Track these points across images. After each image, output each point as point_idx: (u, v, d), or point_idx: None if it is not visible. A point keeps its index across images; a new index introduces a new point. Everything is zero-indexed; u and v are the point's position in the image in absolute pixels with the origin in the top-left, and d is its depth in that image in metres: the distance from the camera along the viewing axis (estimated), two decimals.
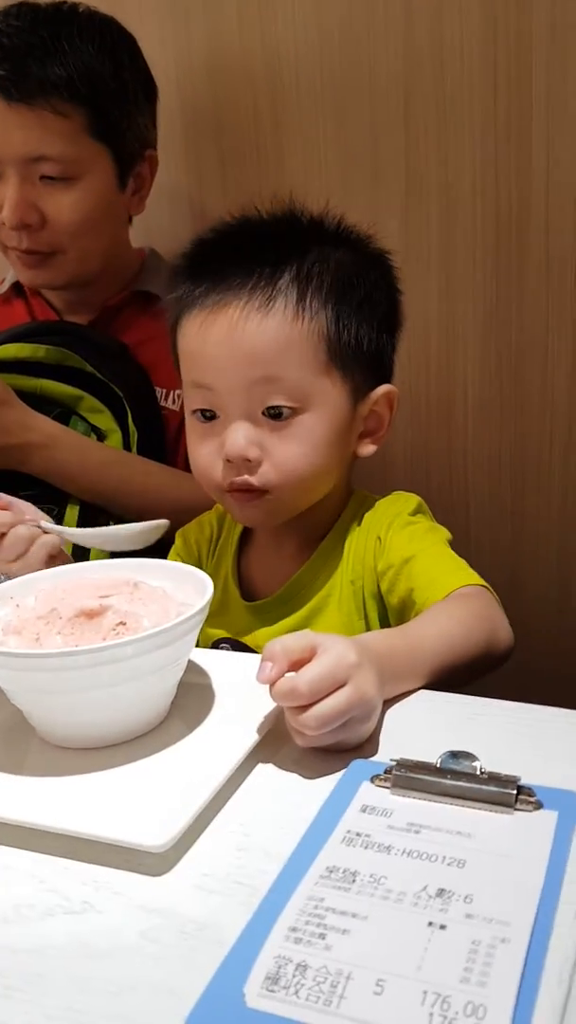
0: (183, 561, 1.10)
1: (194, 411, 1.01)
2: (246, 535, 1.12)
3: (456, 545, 1.01)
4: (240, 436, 0.96)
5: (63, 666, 0.69)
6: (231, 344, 0.95)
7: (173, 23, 1.55)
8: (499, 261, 1.45)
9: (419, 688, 0.81)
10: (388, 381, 1.04)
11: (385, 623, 1.01)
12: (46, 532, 1.03)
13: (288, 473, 0.97)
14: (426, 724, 0.76)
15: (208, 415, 0.99)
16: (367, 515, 1.05)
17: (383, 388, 1.02)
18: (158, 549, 1.35)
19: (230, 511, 1.05)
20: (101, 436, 1.41)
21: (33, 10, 1.33)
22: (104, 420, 1.42)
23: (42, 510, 1.37)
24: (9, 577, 0.90)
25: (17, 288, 1.56)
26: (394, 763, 0.67)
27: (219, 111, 1.57)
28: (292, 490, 0.99)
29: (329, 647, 0.71)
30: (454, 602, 0.90)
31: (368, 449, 1.04)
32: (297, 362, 0.95)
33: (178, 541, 1.17)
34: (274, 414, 0.96)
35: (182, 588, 0.80)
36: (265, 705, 0.75)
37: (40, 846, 0.65)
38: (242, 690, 0.79)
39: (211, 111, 1.58)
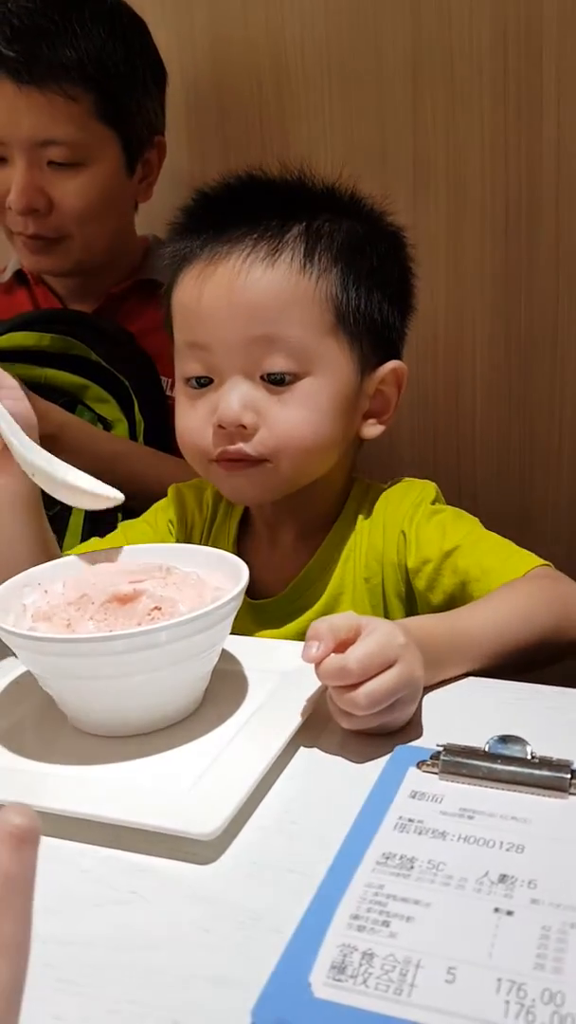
0: (168, 526, 1.05)
1: (187, 379, 0.93)
2: (243, 524, 1.04)
3: None
4: (235, 399, 0.88)
5: (98, 651, 0.67)
6: (231, 297, 0.88)
7: (175, 4, 1.53)
8: (508, 246, 1.44)
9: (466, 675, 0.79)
10: (397, 358, 0.98)
11: None
12: None
13: (288, 439, 0.89)
14: (468, 709, 0.75)
15: (203, 382, 0.92)
16: (378, 506, 0.98)
17: (391, 364, 0.96)
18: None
19: (218, 483, 0.96)
20: (107, 426, 1.39)
21: None
22: (110, 410, 1.40)
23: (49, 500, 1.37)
24: None
25: (20, 276, 1.53)
26: (441, 748, 0.66)
27: (222, 95, 1.55)
28: (291, 459, 0.90)
29: (376, 627, 0.70)
30: (513, 587, 0.85)
31: (374, 430, 0.97)
32: (302, 320, 0.89)
33: (171, 508, 1.07)
34: (275, 380, 0.89)
35: (214, 574, 0.78)
36: (302, 690, 0.73)
37: (81, 835, 0.63)
38: (275, 677, 0.78)
39: (214, 95, 1.56)
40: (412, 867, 0.56)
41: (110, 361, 1.40)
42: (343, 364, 0.91)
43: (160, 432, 1.42)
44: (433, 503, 0.97)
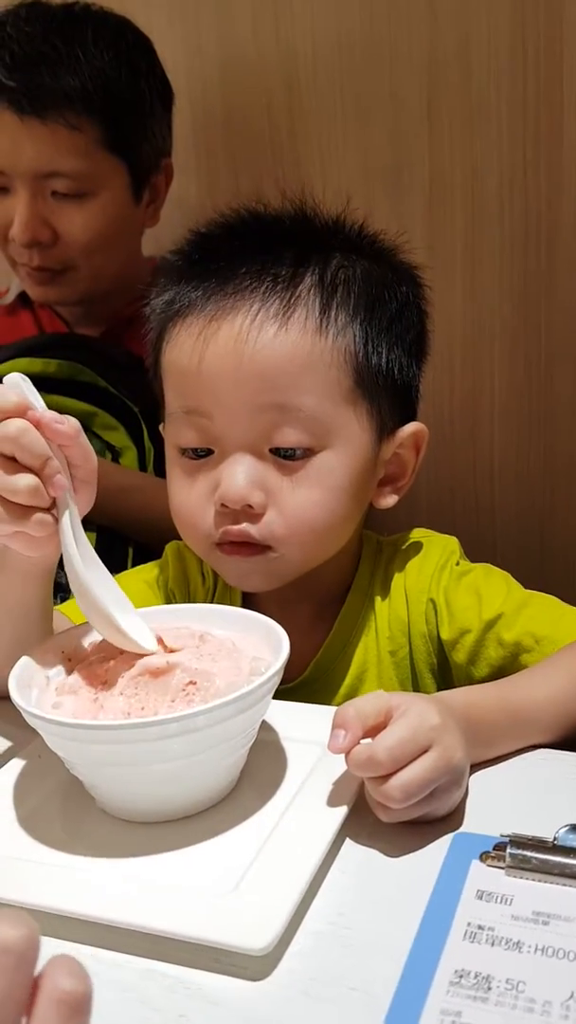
0: (170, 595, 0.95)
1: (183, 450, 0.83)
2: (248, 596, 0.92)
3: (482, 561, 0.92)
4: (241, 475, 0.79)
5: (128, 739, 0.62)
6: (238, 361, 0.78)
7: (182, 21, 1.48)
8: (527, 264, 1.39)
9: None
10: (414, 419, 0.88)
11: None
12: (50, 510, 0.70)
13: (299, 525, 0.80)
14: (532, 788, 0.70)
15: (201, 453, 0.82)
16: (396, 571, 0.90)
17: (411, 427, 0.86)
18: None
19: (220, 571, 0.87)
20: (116, 453, 1.34)
21: (44, 12, 1.25)
22: (119, 437, 1.35)
23: None
24: None
25: (24, 298, 1.48)
26: (506, 839, 0.61)
27: (231, 114, 1.50)
28: (301, 547, 0.82)
29: (407, 708, 0.65)
30: (571, 652, 0.77)
31: (388, 500, 0.88)
32: (317, 387, 0.79)
33: (172, 572, 0.96)
34: (285, 454, 0.80)
35: (249, 638, 0.73)
36: (344, 766, 0.68)
37: (118, 942, 0.58)
38: (316, 748, 0.72)
39: (222, 114, 1.51)
40: (489, 988, 0.51)
41: (118, 387, 1.35)
42: (360, 434, 0.82)
43: None
44: (457, 563, 0.89)
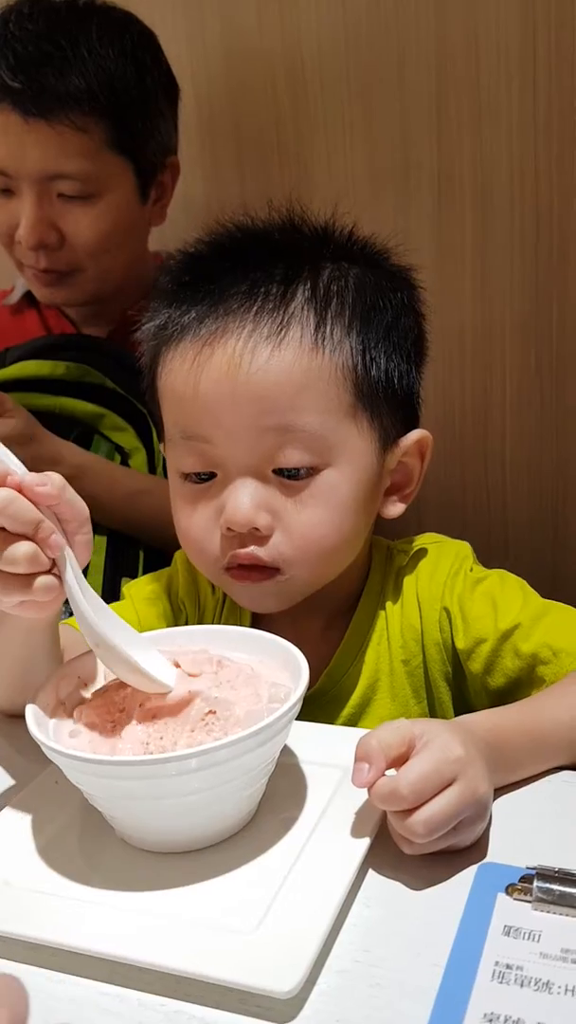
0: (180, 605, 0.94)
1: (185, 475, 0.82)
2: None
3: (493, 563, 0.91)
4: (245, 498, 0.78)
5: (147, 775, 0.61)
6: (234, 385, 0.76)
7: (186, 16, 1.46)
8: (539, 261, 1.37)
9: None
10: (416, 425, 0.87)
11: (461, 706, 0.88)
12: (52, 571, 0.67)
13: (307, 545, 0.79)
14: (559, 812, 0.69)
15: (204, 477, 0.81)
16: (407, 578, 0.89)
17: (415, 434, 0.85)
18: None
19: (231, 594, 0.86)
20: (125, 455, 1.33)
21: (47, 8, 1.22)
22: (127, 439, 1.34)
23: None
24: None
25: (30, 298, 1.47)
26: (532, 871, 0.60)
27: (236, 108, 1.48)
28: (310, 567, 0.81)
29: (430, 739, 0.64)
30: None
31: (396, 509, 0.87)
32: (317, 405, 0.78)
33: (182, 583, 0.96)
34: (289, 475, 0.79)
35: (267, 663, 0.72)
36: (366, 795, 0.67)
37: (141, 981, 0.57)
38: (336, 773, 0.72)
39: (228, 108, 1.49)
40: None
41: (127, 388, 1.34)
42: (364, 447, 0.81)
43: None
44: (471, 569, 0.88)
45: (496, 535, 1.50)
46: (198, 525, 0.82)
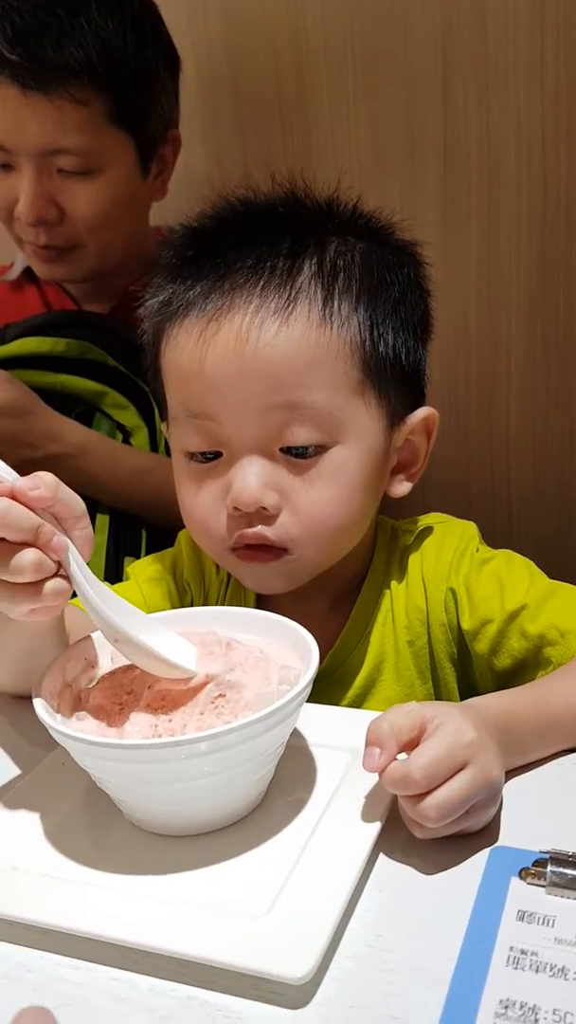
0: (186, 586, 0.94)
1: (190, 454, 0.81)
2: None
3: (497, 542, 0.90)
4: (252, 477, 0.77)
5: (157, 758, 0.60)
6: (241, 362, 0.75)
7: None
8: (546, 237, 1.36)
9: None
10: (423, 402, 0.86)
11: (466, 687, 0.87)
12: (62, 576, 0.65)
13: (315, 525, 0.78)
14: (571, 793, 0.68)
15: (209, 456, 0.80)
16: (412, 558, 0.88)
17: (422, 412, 0.84)
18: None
19: (238, 575, 0.85)
20: (127, 434, 1.32)
21: None
22: (129, 417, 1.32)
23: None
24: None
25: (29, 274, 1.45)
26: (546, 855, 0.60)
27: (238, 79, 1.46)
28: (318, 547, 0.80)
29: (442, 722, 0.63)
30: None
31: (402, 488, 0.86)
32: (325, 382, 0.77)
33: (186, 563, 0.95)
34: (296, 453, 0.78)
35: (275, 644, 0.71)
36: (376, 777, 0.66)
37: (151, 966, 0.57)
38: (346, 756, 0.71)
39: (230, 80, 1.47)
40: (536, 1019, 0.50)
41: (128, 366, 1.32)
42: (371, 425, 0.80)
43: None
44: (477, 549, 0.87)
45: (500, 515, 1.50)
46: (203, 505, 0.81)
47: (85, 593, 0.65)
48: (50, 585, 0.63)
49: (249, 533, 0.78)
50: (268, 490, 0.77)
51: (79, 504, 0.67)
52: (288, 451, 0.78)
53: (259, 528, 0.78)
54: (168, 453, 1.29)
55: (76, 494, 0.67)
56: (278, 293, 0.76)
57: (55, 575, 0.64)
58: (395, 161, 1.39)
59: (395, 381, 0.82)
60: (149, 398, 1.32)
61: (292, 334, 0.76)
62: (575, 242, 1.34)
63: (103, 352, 1.32)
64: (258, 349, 0.75)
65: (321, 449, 0.78)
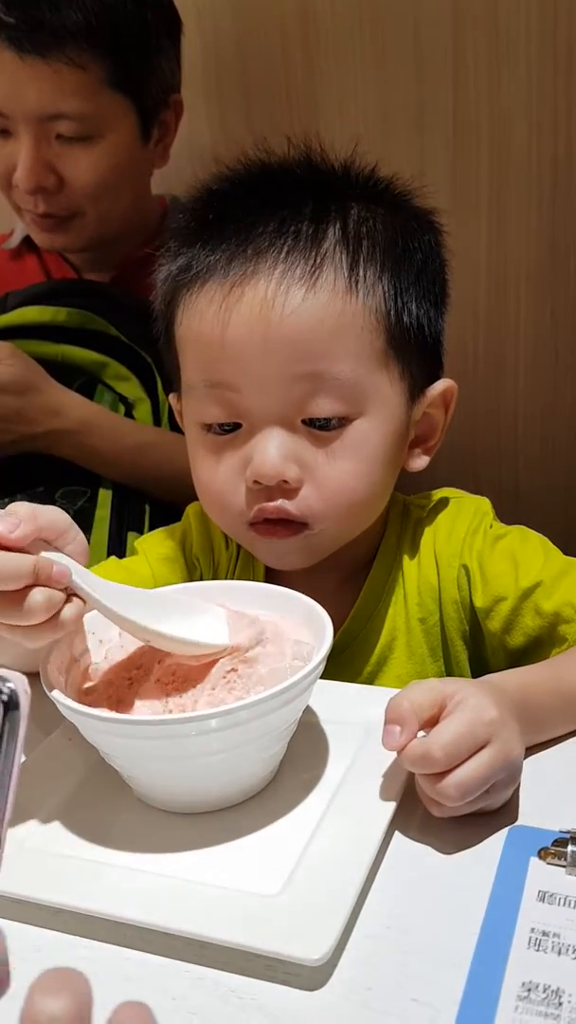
0: (195, 561, 0.92)
1: (208, 426, 0.78)
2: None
3: (505, 518, 0.89)
4: (274, 450, 0.75)
5: (167, 734, 0.59)
6: (266, 330, 0.73)
7: None
8: (556, 210, 1.34)
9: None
10: (440, 375, 0.84)
11: (478, 665, 0.86)
12: (72, 594, 0.63)
13: (337, 499, 0.77)
14: None
15: (228, 428, 0.78)
16: (425, 535, 0.87)
17: (441, 384, 0.82)
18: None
19: (255, 551, 0.83)
20: (128, 406, 1.30)
21: None
22: (131, 388, 1.30)
23: (73, 493, 1.28)
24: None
25: (29, 242, 1.43)
26: (566, 835, 0.59)
27: (243, 47, 1.43)
28: (338, 522, 0.78)
29: (463, 699, 0.61)
30: None
31: (420, 462, 0.84)
32: (351, 352, 0.75)
33: (196, 538, 0.92)
34: (319, 425, 0.76)
35: (287, 619, 0.70)
36: (390, 755, 0.65)
37: (163, 946, 0.55)
38: (358, 732, 0.70)
39: (234, 47, 1.44)
40: (560, 1003, 0.49)
41: (130, 336, 1.30)
42: (393, 397, 0.78)
43: None
44: (491, 525, 0.86)
45: (508, 489, 1.48)
46: (221, 478, 0.78)
47: (101, 605, 0.63)
48: (66, 612, 0.62)
49: (270, 507, 0.76)
50: (290, 463, 0.75)
51: (63, 518, 0.65)
52: (311, 423, 0.76)
53: (280, 502, 0.76)
54: (171, 427, 1.27)
55: (57, 508, 0.65)
56: (303, 259, 0.74)
57: (67, 600, 0.62)
58: (403, 132, 1.37)
59: (417, 352, 0.80)
60: (152, 369, 1.30)
61: (318, 301, 0.73)
62: None
63: (105, 322, 1.30)
64: (284, 316, 0.73)
65: (344, 421, 0.76)
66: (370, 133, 1.38)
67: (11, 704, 0.34)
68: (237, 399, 0.76)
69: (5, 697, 0.34)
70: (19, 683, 0.34)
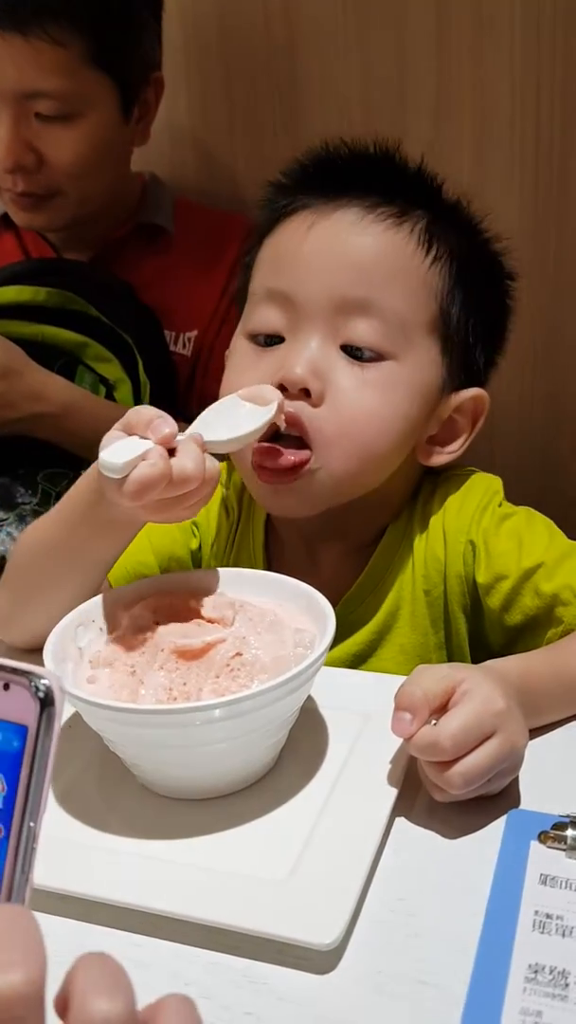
0: (192, 528, 0.92)
1: (254, 335, 0.82)
2: (272, 533, 0.91)
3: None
4: (305, 357, 0.77)
5: (171, 723, 0.60)
6: (338, 247, 0.79)
7: None
8: (539, 185, 1.34)
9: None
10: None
11: (476, 638, 0.87)
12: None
13: (350, 428, 0.77)
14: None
15: (272, 341, 0.81)
16: (435, 508, 0.87)
17: (474, 390, 0.84)
18: None
19: (254, 491, 0.84)
20: (110, 387, 1.29)
21: None
22: (112, 369, 1.30)
23: (55, 475, 1.27)
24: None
25: (7, 220, 1.41)
26: (566, 819, 0.60)
27: (224, 20, 1.42)
28: (344, 459, 0.78)
29: (471, 688, 0.62)
30: None
31: (440, 459, 0.86)
32: (406, 295, 0.79)
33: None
34: (354, 353, 0.78)
35: (285, 607, 0.71)
36: (390, 741, 0.66)
37: (172, 931, 0.56)
38: (357, 720, 0.71)
39: (215, 20, 1.42)
40: (567, 984, 0.50)
41: (111, 316, 1.29)
42: (430, 365, 0.81)
43: (166, 392, 1.33)
44: (500, 504, 0.86)
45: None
46: (249, 380, 0.80)
47: (212, 437, 0.71)
48: (210, 471, 0.68)
49: (289, 413, 0.77)
50: (316, 376, 0.77)
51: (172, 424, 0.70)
52: (348, 350, 0.79)
53: (297, 405, 0.77)
54: (151, 404, 1.27)
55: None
56: (389, 214, 0.81)
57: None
58: (385, 109, 1.36)
59: (459, 351, 0.83)
60: (132, 350, 1.29)
61: (392, 241, 0.80)
62: (567, 200, 1.32)
63: (84, 302, 1.29)
64: (357, 242, 0.79)
65: (379, 357, 0.79)
66: (352, 114, 1.38)
67: (47, 700, 0.34)
68: (288, 310, 0.80)
69: (41, 694, 0.34)
70: (54, 680, 0.34)
